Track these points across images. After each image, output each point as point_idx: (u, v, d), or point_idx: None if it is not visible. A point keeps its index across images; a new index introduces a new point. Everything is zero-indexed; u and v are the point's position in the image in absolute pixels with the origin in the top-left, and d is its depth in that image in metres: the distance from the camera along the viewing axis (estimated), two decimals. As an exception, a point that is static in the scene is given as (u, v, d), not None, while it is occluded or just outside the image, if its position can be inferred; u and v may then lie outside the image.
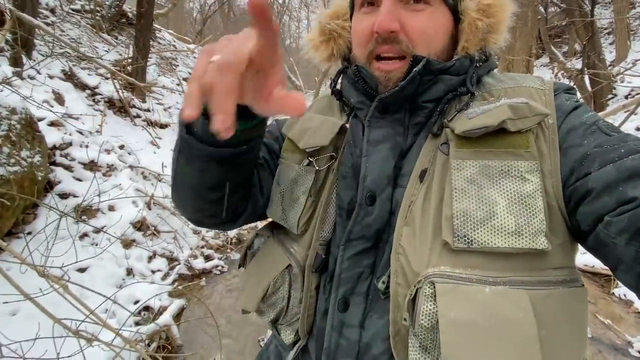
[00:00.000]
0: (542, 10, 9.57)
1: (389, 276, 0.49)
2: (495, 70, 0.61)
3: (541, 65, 11.36)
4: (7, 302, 1.41)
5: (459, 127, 0.49)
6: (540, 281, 0.43)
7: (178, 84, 6.15)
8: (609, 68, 6.21)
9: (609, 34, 9.63)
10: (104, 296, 1.68)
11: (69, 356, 1.52)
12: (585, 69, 5.43)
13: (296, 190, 0.62)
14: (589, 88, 5.55)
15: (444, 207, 0.47)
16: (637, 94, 5.14)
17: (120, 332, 1.60)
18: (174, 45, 8.06)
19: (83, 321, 1.46)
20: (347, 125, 0.63)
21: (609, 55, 7.52)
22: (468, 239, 0.44)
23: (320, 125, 0.64)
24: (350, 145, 0.60)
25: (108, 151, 3.53)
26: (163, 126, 4.78)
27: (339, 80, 0.66)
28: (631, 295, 2.56)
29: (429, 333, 0.44)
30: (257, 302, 0.65)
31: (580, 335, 0.46)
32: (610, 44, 8.69)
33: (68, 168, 3.17)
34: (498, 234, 0.44)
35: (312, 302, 0.60)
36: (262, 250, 0.69)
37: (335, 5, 0.67)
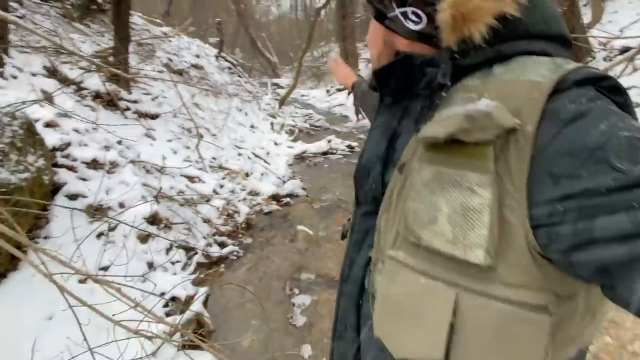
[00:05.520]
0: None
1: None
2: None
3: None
4: (65, 310, 1.45)
5: (422, 131, 0.49)
6: (481, 291, 0.44)
7: (160, 71, 5.99)
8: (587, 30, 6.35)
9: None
10: (156, 295, 1.75)
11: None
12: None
13: None
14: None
15: (406, 202, 0.51)
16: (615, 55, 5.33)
17: (171, 325, 1.68)
18: (147, 30, 7.76)
19: (142, 321, 1.53)
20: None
21: (584, 17, 7.67)
22: (416, 235, 0.48)
23: None
24: None
25: (107, 148, 3.48)
26: (154, 117, 4.69)
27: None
28: None
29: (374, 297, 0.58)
30: None
31: (505, 358, 0.44)
32: (585, 5, 8.84)
33: (71, 169, 3.13)
34: (438, 238, 0.46)
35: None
36: None
37: None
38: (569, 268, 0.40)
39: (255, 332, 2.43)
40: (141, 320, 1.55)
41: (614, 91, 0.44)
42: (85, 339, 1.33)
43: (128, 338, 1.52)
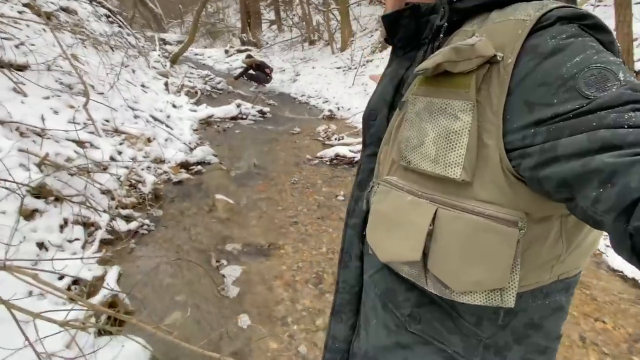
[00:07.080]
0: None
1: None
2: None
3: None
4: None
5: (417, 67, 0.54)
6: (457, 205, 0.49)
7: (20, 12, 4.83)
8: None
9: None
10: (60, 273, 1.47)
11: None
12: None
13: None
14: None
15: (401, 132, 0.57)
16: None
17: (94, 307, 1.45)
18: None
19: (70, 310, 1.28)
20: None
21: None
22: (406, 159, 0.54)
23: None
24: None
25: (-37, 104, 2.74)
26: (21, 68, 3.81)
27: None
28: None
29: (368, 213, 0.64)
30: None
31: (475, 264, 0.48)
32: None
33: None
34: (424, 159, 0.51)
35: None
36: None
37: None
38: (537, 184, 0.44)
39: (183, 308, 2.27)
40: (70, 310, 1.30)
41: (597, 29, 0.47)
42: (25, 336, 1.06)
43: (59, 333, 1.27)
